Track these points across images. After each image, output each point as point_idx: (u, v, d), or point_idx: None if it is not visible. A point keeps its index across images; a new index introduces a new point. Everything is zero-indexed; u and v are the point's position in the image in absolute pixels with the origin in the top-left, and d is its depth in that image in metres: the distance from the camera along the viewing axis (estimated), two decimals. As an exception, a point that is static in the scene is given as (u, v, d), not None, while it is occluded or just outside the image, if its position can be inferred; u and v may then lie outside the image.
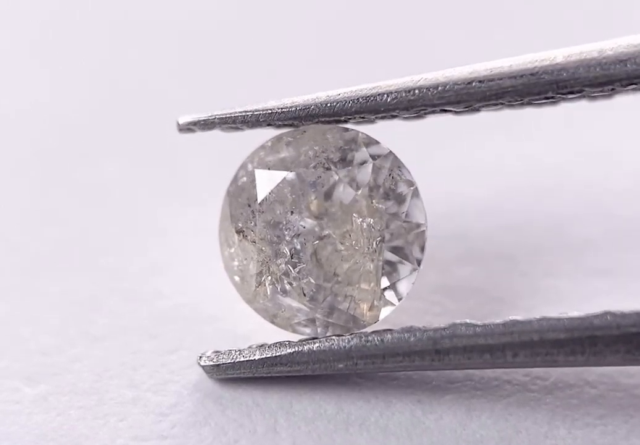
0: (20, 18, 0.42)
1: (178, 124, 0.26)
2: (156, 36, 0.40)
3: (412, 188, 0.25)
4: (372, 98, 0.25)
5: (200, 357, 0.25)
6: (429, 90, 0.24)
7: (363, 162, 0.25)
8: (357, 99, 0.25)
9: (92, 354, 0.26)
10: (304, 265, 0.24)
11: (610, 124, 0.33)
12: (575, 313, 0.23)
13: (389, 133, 0.27)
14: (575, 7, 0.40)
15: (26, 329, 0.27)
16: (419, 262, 0.25)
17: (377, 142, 0.25)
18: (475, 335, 0.24)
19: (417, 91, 0.24)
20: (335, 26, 0.40)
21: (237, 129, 0.26)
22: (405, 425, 0.24)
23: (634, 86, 0.23)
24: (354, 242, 0.24)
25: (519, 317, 0.24)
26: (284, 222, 0.24)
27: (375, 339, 0.24)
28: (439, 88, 0.24)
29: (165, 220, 0.31)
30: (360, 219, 0.24)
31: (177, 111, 0.27)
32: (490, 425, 0.24)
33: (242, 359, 0.25)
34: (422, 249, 0.25)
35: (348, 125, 0.25)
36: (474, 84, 0.24)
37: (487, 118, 0.27)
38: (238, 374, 0.25)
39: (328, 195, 0.24)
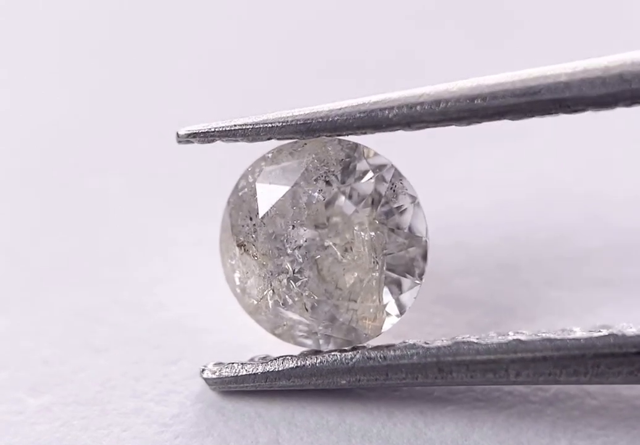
0: (25, 29, 0.42)
1: (177, 135, 0.26)
2: (159, 47, 0.40)
3: (413, 201, 0.25)
4: (373, 113, 0.24)
5: (203, 369, 0.25)
6: (431, 106, 0.24)
7: (364, 175, 0.25)
8: (358, 114, 0.24)
9: (95, 364, 0.26)
10: (306, 279, 0.24)
11: (610, 135, 0.33)
12: (578, 333, 0.23)
13: (389, 144, 0.27)
14: (580, 16, 0.40)
15: (29, 339, 0.27)
16: (421, 275, 0.25)
17: (378, 155, 0.25)
18: (478, 354, 0.24)
19: (418, 107, 0.24)
20: (338, 36, 0.40)
21: (236, 141, 0.26)
22: (407, 437, 0.24)
23: (637, 105, 0.23)
24: (355, 256, 0.24)
25: (522, 337, 0.23)
26: (285, 235, 0.24)
27: (378, 355, 0.24)
28: (441, 105, 0.24)
29: (167, 231, 0.31)
30: (362, 233, 0.24)
31: (179, 122, 0.27)
32: (492, 437, 0.24)
33: (244, 373, 0.25)
34: (424, 262, 0.25)
35: (349, 137, 0.25)
36: (476, 101, 0.24)
37: (488, 129, 0.27)
38: (240, 387, 0.25)
39: (329, 207, 0.24)
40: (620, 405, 0.25)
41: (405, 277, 0.25)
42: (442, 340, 0.24)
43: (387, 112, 0.24)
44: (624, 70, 0.23)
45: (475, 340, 0.24)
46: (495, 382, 0.24)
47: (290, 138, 0.25)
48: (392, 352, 0.24)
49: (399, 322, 0.25)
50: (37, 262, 0.30)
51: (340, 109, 0.25)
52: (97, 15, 0.42)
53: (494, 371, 0.23)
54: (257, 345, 0.26)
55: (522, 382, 0.24)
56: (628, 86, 0.23)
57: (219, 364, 0.26)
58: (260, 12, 0.42)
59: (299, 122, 0.25)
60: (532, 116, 0.24)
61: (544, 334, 0.24)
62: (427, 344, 0.24)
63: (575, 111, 0.23)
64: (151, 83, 0.38)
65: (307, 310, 0.24)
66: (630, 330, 0.23)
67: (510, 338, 0.24)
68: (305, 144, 0.25)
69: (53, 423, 0.25)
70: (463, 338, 0.24)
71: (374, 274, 0.24)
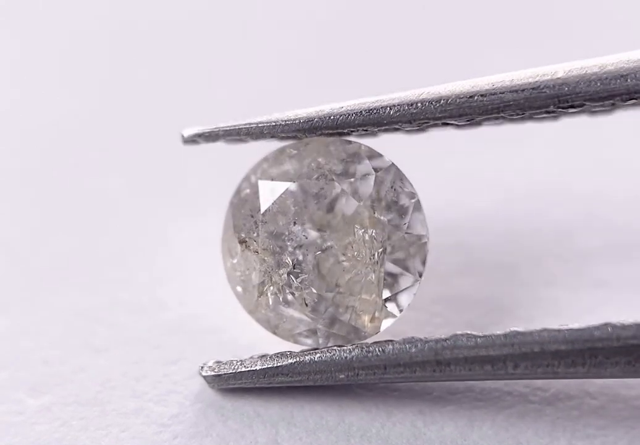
0: (26, 29, 0.42)
1: (182, 136, 0.26)
2: (160, 47, 0.40)
3: (413, 200, 0.25)
4: (374, 111, 0.25)
5: (202, 367, 0.26)
6: (431, 103, 0.24)
7: (365, 174, 0.25)
8: (360, 111, 0.25)
9: (95, 364, 0.26)
10: (306, 275, 0.24)
11: (610, 135, 0.34)
12: (576, 324, 0.23)
13: (390, 144, 0.27)
14: (577, 22, 0.40)
15: (29, 340, 0.27)
16: (420, 274, 0.25)
17: (379, 155, 0.25)
18: (476, 346, 0.24)
19: (419, 104, 0.24)
20: (339, 38, 0.40)
21: (240, 141, 0.26)
22: (406, 436, 0.24)
23: (634, 101, 0.23)
24: (355, 253, 0.24)
25: (519, 329, 0.24)
26: (287, 233, 0.25)
27: (377, 349, 0.24)
28: (441, 101, 0.24)
29: (168, 231, 0.31)
30: (362, 231, 0.24)
31: (182, 123, 0.27)
32: (492, 436, 0.24)
33: (243, 369, 0.25)
34: (424, 261, 0.25)
35: (351, 138, 0.25)
36: (475, 97, 0.24)
37: (488, 129, 0.27)
38: (239, 384, 0.25)
39: (330, 206, 0.24)
40: (619, 406, 0.25)
41: (404, 275, 0.25)
42: (441, 335, 0.24)
43: (388, 109, 0.25)
44: (620, 66, 0.23)
45: (473, 333, 0.24)
46: (493, 374, 0.24)
47: (293, 136, 0.25)
48: (390, 346, 0.24)
49: (398, 321, 0.25)
50: (37, 262, 0.30)
51: (342, 107, 0.25)
52: (98, 15, 0.42)
53: (492, 363, 0.24)
54: (258, 345, 0.26)
55: (521, 375, 0.24)
56: (624, 82, 0.23)
57: (218, 361, 0.26)
58: (262, 15, 0.42)
59: (301, 120, 0.25)
60: (531, 114, 0.24)
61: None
62: (426, 337, 0.24)
63: (573, 107, 0.24)
64: (151, 83, 0.38)
65: (306, 306, 0.25)
66: (628, 320, 0.23)
67: (508, 330, 0.24)
68: (308, 144, 0.25)
69: (52, 423, 0.25)
70: (461, 331, 0.24)
71: (374, 272, 0.24)
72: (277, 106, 0.27)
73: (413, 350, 0.24)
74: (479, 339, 0.24)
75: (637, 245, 0.29)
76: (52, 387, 0.26)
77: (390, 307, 0.25)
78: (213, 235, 0.28)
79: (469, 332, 0.24)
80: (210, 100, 0.37)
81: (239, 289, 0.26)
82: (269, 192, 0.25)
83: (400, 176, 0.25)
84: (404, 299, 0.25)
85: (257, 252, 0.25)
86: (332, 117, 0.25)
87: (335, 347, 0.25)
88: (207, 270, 0.28)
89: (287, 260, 0.24)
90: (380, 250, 0.24)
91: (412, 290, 0.25)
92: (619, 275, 0.28)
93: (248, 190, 0.25)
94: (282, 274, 0.25)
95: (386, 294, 0.25)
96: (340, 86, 0.36)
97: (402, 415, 0.25)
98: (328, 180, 0.25)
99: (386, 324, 0.25)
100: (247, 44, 0.40)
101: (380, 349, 0.24)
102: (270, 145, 0.26)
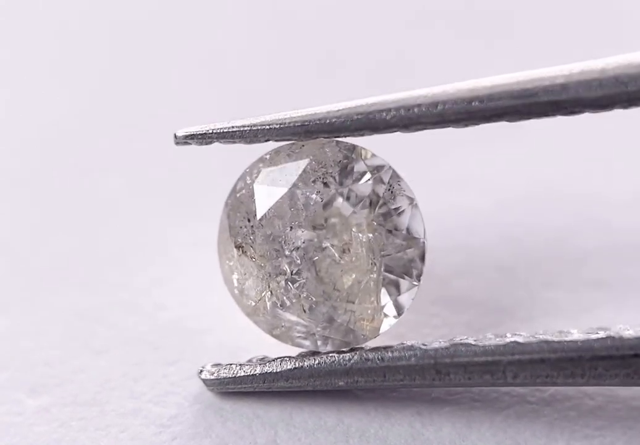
0: (25, 29, 0.42)
1: (175, 137, 0.26)
2: (159, 47, 0.40)
3: (411, 202, 0.25)
4: (370, 115, 0.24)
5: (201, 370, 0.26)
6: (429, 108, 0.24)
7: (362, 176, 0.25)
8: (356, 116, 0.25)
9: (94, 365, 0.26)
10: (304, 280, 0.24)
11: (609, 136, 0.33)
12: (576, 335, 0.23)
13: (387, 144, 0.27)
14: (573, 17, 0.40)
15: (29, 340, 0.27)
16: (418, 277, 0.25)
17: (375, 156, 0.25)
18: (475, 356, 0.24)
19: (416, 109, 0.24)
20: (337, 38, 0.40)
21: (234, 143, 0.26)
22: (404, 437, 0.24)
23: (634, 107, 0.23)
24: (353, 258, 0.24)
25: (519, 339, 0.24)
26: (283, 236, 0.24)
27: (376, 357, 0.24)
28: (439, 107, 0.24)
29: (168, 231, 0.31)
30: (360, 234, 0.24)
31: (182, 123, 0.27)
32: (490, 437, 0.24)
33: (242, 374, 0.25)
34: (422, 263, 0.25)
35: (346, 139, 0.25)
36: (473, 104, 0.24)
37: (486, 130, 0.27)
38: (239, 388, 0.25)
39: (327, 209, 0.24)
40: (617, 406, 0.25)
41: (403, 278, 0.25)
42: (440, 342, 0.24)
43: (384, 114, 0.24)
44: (620, 73, 0.23)
45: (473, 342, 0.24)
46: (492, 383, 0.24)
47: (288, 140, 0.25)
48: (389, 354, 0.24)
49: (397, 323, 0.25)
50: (37, 262, 0.30)
51: (337, 110, 0.25)
52: (97, 15, 0.42)
53: (491, 373, 0.24)
54: (256, 346, 0.26)
55: (520, 384, 0.24)
56: (624, 88, 0.23)
57: (217, 365, 0.26)
58: (256, 15, 0.42)
59: (296, 124, 0.25)
60: (529, 118, 0.24)
61: (541, 336, 0.24)
62: (425, 345, 0.24)
63: (573, 113, 0.24)
64: (151, 83, 0.38)
65: (305, 311, 0.25)
66: (628, 332, 0.23)
67: (507, 340, 0.24)
68: (303, 145, 0.25)
69: (51, 424, 0.25)
70: (461, 340, 0.24)
71: (372, 275, 0.24)
72: (271, 106, 0.26)
73: (412, 359, 0.24)
74: (478, 349, 0.24)
75: (635, 246, 0.29)
76: (51, 387, 0.26)
77: (389, 310, 0.25)
78: (212, 236, 0.28)
79: (468, 341, 0.24)
80: (210, 100, 0.37)
81: (237, 292, 0.26)
82: (265, 197, 0.25)
83: (397, 178, 0.25)
84: (403, 301, 0.25)
85: (254, 258, 0.25)
86: (327, 121, 0.25)
87: (334, 354, 0.25)
88: (207, 270, 0.28)
89: (284, 267, 0.24)
90: (378, 253, 0.24)
91: (411, 294, 0.25)
92: (616, 276, 0.28)
93: (244, 192, 0.25)
94: (280, 281, 0.24)
95: (385, 297, 0.25)
96: (339, 87, 0.36)
97: (401, 416, 0.25)
98: (324, 182, 0.24)
99: (385, 327, 0.25)
100: (247, 44, 0.40)
101: (379, 356, 0.24)
102: (267, 145, 0.26)
